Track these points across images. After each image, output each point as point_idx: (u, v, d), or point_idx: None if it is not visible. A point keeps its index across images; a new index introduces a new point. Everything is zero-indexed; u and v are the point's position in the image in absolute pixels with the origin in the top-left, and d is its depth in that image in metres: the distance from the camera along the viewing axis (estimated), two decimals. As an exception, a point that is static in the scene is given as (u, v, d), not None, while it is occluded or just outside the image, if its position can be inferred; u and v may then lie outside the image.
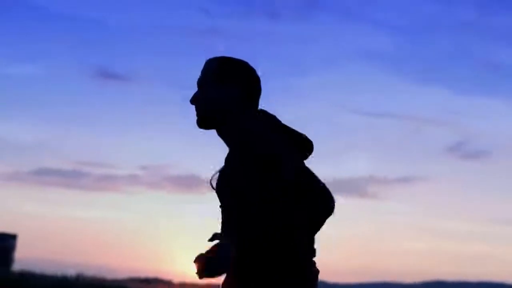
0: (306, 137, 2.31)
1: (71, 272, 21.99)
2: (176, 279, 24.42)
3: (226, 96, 2.33)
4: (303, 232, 2.19)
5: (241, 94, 2.33)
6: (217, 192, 2.35)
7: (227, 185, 2.29)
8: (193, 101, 2.38)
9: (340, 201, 2.24)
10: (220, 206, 2.34)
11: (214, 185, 2.36)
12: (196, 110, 2.37)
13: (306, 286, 2.18)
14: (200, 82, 2.39)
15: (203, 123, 2.37)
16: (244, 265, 2.19)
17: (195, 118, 2.38)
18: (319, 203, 2.16)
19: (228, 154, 2.35)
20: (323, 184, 2.20)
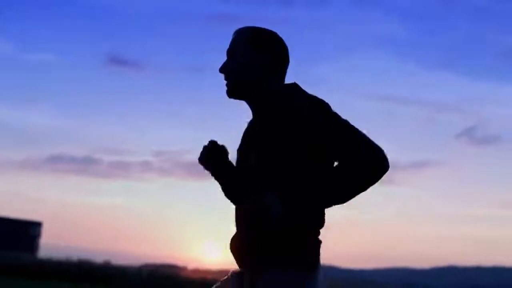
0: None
1: (87, 257, 22.11)
2: (190, 265, 24.16)
3: (258, 64, 2.34)
4: (327, 201, 2.16)
5: (272, 63, 2.35)
6: (239, 154, 2.38)
7: (253, 146, 2.28)
8: (222, 69, 2.38)
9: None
10: (243, 168, 2.34)
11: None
12: (226, 79, 2.38)
13: (308, 257, 2.20)
14: (230, 51, 2.40)
15: (234, 92, 2.37)
16: (255, 223, 2.20)
17: (225, 88, 2.38)
18: (364, 159, 2.08)
19: (253, 119, 2.37)
20: (368, 139, 2.13)
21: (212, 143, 2.45)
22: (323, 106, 2.21)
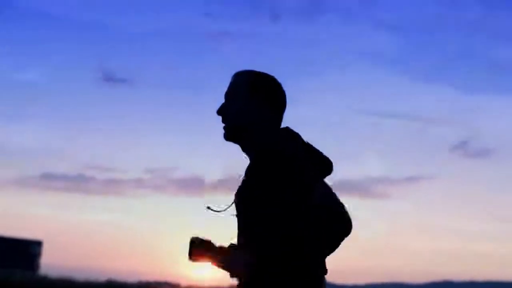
0: (327, 157, 2.33)
1: (78, 276, 22.19)
2: (183, 282, 24.12)
3: (256, 110, 2.35)
4: (318, 248, 2.19)
5: (270, 109, 2.36)
6: (235, 201, 2.35)
7: (248, 195, 2.28)
8: (219, 112, 2.39)
9: (347, 202, 2.24)
10: (236, 215, 2.35)
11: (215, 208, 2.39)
12: (224, 122, 2.38)
13: None
14: (229, 94, 2.40)
15: (230, 136, 2.38)
16: (257, 274, 2.22)
17: (222, 131, 2.39)
18: (337, 225, 2.17)
19: (249, 166, 2.35)
20: (343, 207, 2.21)
21: (194, 240, 2.29)
22: (293, 164, 2.22)
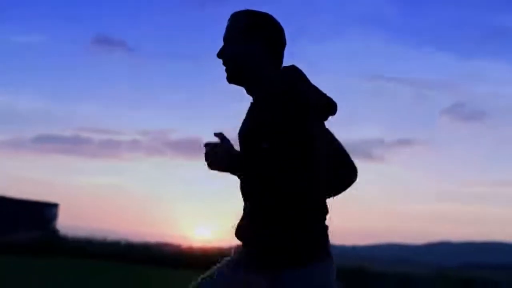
0: (331, 97, 2.29)
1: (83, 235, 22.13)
2: (184, 243, 24.20)
3: (254, 49, 2.33)
4: (324, 191, 2.23)
5: (269, 47, 2.34)
6: (240, 139, 2.34)
7: (254, 132, 2.26)
8: (219, 55, 2.38)
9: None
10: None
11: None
12: (224, 64, 2.38)
13: (314, 240, 2.21)
14: (226, 37, 2.39)
15: (232, 78, 2.37)
16: (258, 211, 2.24)
17: (225, 73, 2.37)
18: (344, 171, 2.32)
19: (253, 104, 2.35)
20: (348, 155, 2.34)
21: (219, 137, 2.25)
22: (322, 97, 2.24)
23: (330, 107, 2.26)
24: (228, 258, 2.37)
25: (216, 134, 2.25)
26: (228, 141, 2.25)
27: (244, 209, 2.32)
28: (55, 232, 22.40)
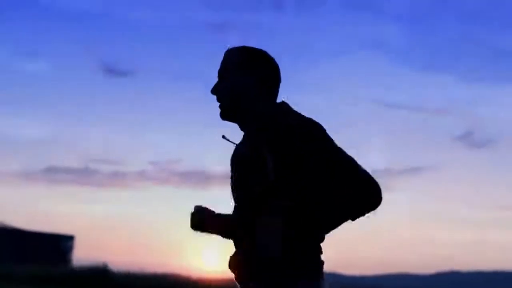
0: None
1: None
2: (193, 275, 24.25)
3: (249, 86, 2.32)
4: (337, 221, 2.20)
5: (262, 84, 2.32)
6: (231, 165, 2.36)
7: (242, 165, 2.29)
8: (213, 91, 2.36)
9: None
10: (233, 184, 2.35)
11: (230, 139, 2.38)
12: (218, 100, 2.36)
13: (313, 274, 2.20)
14: (221, 72, 2.37)
15: (225, 114, 2.36)
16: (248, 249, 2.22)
17: (218, 110, 2.37)
18: (360, 193, 2.15)
19: (245, 137, 2.35)
20: (368, 173, 2.18)
21: (196, 208, 2.32)
22: (315, 128, 2.21)
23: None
24: None
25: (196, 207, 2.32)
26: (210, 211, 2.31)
27: (235, 242, 2.31)
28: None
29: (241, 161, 2.30)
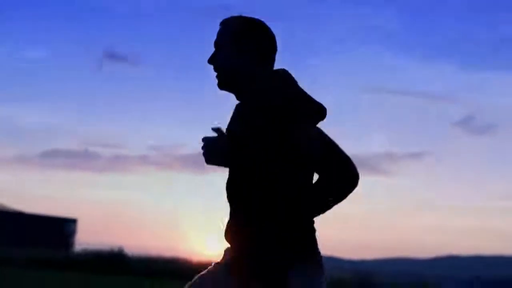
0: (320, 103, 2.27)
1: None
2: (191, 258, 24.32)
3: (245, 55, 2.32)
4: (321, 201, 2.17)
5: (258, 53, 2.33)
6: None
7: (245, 135, 2.25)
8: (210, 61, 2.37)
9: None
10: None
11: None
12: (215, 70, 2.37)
13: (307, 257, 2.20)
14: (217, 43, 2.38)
15: (223, 84, 2.36)
16: (246, 213, 2.22)
17: (215, 80, 2.37)
18: (339, 174, 2.14)
19: (241, 106, 2.34)
20: (346, 156, 2.18)
21: (218, 132, 2.24)
22: (302, 107, 2.20)
23: (320, 111, 2.25)
24: (218, 262, 2.35)
25: (213, 129, 2.25)
26: (225, 135, 2.24)
27: (231, 212, 2.31)
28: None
29: (234, 137, 2.26)
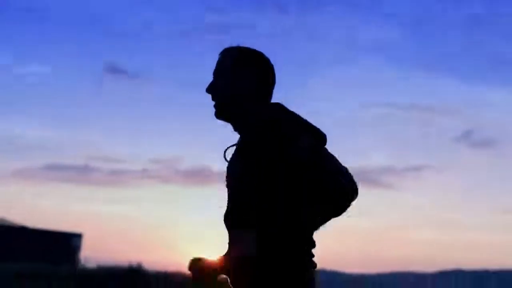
0: (319, 129, 2.27)
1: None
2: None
3: (243, 85, 2.31)
4: (311, 225, 2.18)
5: (256, 84, 2.32)
6: (227, 180, 2.33)
7: (234, 175, 2.27)
8: (208, 89, 2.37)
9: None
10: (228, 194, 2.32)
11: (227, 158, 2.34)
12: (213, 99, 2.36)
13: (304, 279, 2.18)
14: (216, 72, 2.38)
15: (220, 113, 2.36)
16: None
17: (213, 109, 2.37)
18: (339, 186, 2.12)
19: (241, 141, 2.33)
20: (345, 168, 2.18)
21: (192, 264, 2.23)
22: (309, 131, 2.21)
23: (319, 138, 2.24)
24: None
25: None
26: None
27: (229, 243, 2.29)
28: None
29: (234, 178, 2.28)
